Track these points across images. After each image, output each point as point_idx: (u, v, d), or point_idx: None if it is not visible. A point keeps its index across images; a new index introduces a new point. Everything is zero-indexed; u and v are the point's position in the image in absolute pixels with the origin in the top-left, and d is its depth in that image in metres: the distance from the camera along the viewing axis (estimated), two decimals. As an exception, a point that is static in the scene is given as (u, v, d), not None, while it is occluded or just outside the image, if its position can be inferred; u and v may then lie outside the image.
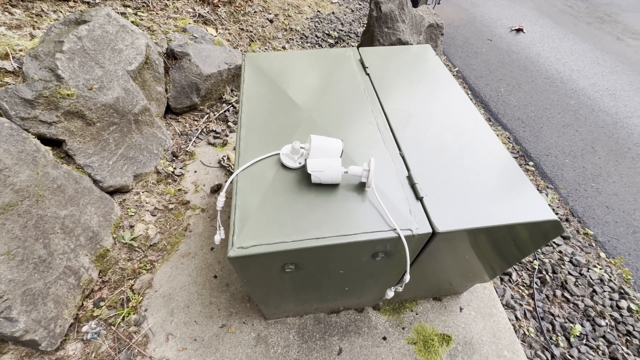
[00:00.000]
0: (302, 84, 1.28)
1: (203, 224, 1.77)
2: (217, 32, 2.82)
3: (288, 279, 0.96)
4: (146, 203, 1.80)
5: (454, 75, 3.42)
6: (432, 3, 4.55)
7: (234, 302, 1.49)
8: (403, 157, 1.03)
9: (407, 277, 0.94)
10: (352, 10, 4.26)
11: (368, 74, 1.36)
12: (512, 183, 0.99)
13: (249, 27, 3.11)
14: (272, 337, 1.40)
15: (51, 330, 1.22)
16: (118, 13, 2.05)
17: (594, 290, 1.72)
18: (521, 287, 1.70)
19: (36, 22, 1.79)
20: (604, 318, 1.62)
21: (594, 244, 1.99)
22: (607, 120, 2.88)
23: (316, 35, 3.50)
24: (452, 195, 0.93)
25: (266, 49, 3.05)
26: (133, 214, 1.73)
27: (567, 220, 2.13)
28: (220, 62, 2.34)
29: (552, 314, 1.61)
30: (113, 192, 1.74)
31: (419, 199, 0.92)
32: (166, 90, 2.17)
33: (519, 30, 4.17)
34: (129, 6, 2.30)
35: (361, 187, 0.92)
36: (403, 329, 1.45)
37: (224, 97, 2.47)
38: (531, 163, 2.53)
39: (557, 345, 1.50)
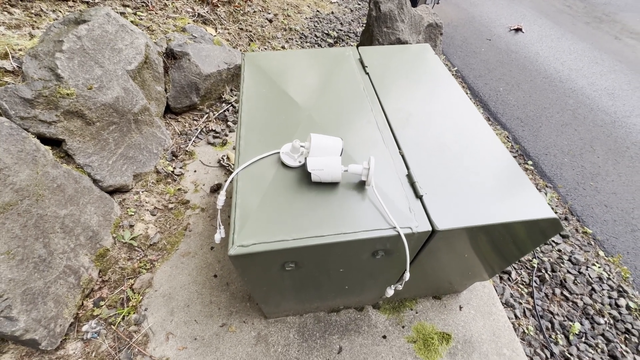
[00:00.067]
0: (302, 83, 1.28)
1: (203, 223, 1.77)
2: (216, 31, 2.82)
3: (288, 277, 0.96)
4: (146, 202, 1.80)
5: (453, 74, 3.42)
6: (431, 3, 4.56)
7: (234, 301, 1.49)
8: (403, 156, 1.04)
9: (407, 275, 0.94)
10: (351, 10, 4.27)
11: (367, 73, 1.36)
12: (511, 181, 1.00)
13: (248, 26, 3.12)
14: (273, 336, 1.40)
15: (51, 329, 1.22)
16: (117, 13, 2.05)
17: (593, 289, 1.73)
18: (520, 286, 1.70)
19: (35, 21, 1.79)
20: (603, 316, 1.63)
21: (592, 243, 2.00)
22: (606, 119, 2.89)
23: (315, 35, 3.50)
24: (452, 193, 0.94)
25: (265, 49, 3.05)
26: (133, 213, 1.73)
27: (566, 219, 2.14)
28: (219, 62, 2.34)
29: (551, 313, 1.62)
30: (113, 191, 1.74)
31: (419, 197, 0.92)
32: (166, 90, 2.17)
33: (517, 29, 4.18)
34: (128, 6, 2.30)
35: (361, 185, 0.93)
36: (403, 327, 1.46)
37: (223, 96, 2.48)
38: (530, 162, 2.54)
39: (556, 344, 1.51)
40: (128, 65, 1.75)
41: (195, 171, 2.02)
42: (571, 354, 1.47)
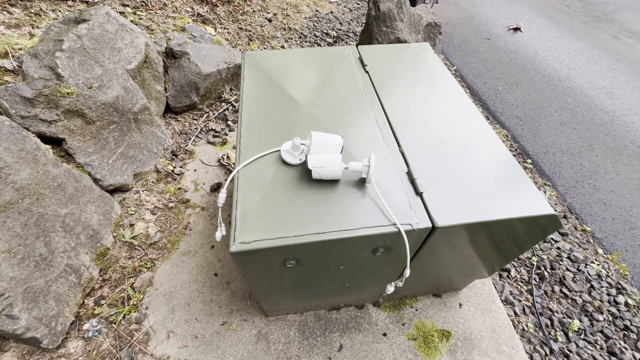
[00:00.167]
0: (302, 81, 1.29)
1: (203, 222, 1.77)
2: (216, 31, 2.82)
3: (289, 274, 0.96)
4: (146, 202, 1.80)
5: (452, 73, 3.43)
6: (430, 2, 4.57)
7: (235, 300, 1.49)
8: (402, 154, 1.04)
9: (408, 272, 0.95)
10: (351, 10, 4.28)
11: (367, 72, 1.37)
12: (510, 179, 1.00)
13: (247, 26, 3.12)
14: (273, 334, 1.40)
15: (52, 328, 1.22)
16: (117, 12, 2.05)
17: (592, 286, 1.74)
18: (520, 283, 1.71)
19: (35, 21, 1.79)
20: (602, 313, 1.63)
21: (591, 240, 2.01)
22: (604, 118, 2.90)
23: (315, 35, 3.50)
24: (452, 190, 0.94)
25: (265, 48, 3.06)
26: (133, 212, 1.73)
27: (565, 217, 2.15)
28: (219, 61, 2.34)
29: (551, 310, 1.62)
30: (113, 190, 1.74)
31: (419, 194, 0.93)
32: (165, 89, 2.17)
33: (516, 29, 4.19)
34: (127, 5, 2.30)
35: (361, 182, 0.93)
36: (403, 325, 1.46)
37: (223, 96, 2.48)
38: (529, 160, 2.55)
39: (555, 340, 1.52)
40: (128, 64, 1.76)
41: (195, 170, 2.02)
42: (570, 351, 1.48)
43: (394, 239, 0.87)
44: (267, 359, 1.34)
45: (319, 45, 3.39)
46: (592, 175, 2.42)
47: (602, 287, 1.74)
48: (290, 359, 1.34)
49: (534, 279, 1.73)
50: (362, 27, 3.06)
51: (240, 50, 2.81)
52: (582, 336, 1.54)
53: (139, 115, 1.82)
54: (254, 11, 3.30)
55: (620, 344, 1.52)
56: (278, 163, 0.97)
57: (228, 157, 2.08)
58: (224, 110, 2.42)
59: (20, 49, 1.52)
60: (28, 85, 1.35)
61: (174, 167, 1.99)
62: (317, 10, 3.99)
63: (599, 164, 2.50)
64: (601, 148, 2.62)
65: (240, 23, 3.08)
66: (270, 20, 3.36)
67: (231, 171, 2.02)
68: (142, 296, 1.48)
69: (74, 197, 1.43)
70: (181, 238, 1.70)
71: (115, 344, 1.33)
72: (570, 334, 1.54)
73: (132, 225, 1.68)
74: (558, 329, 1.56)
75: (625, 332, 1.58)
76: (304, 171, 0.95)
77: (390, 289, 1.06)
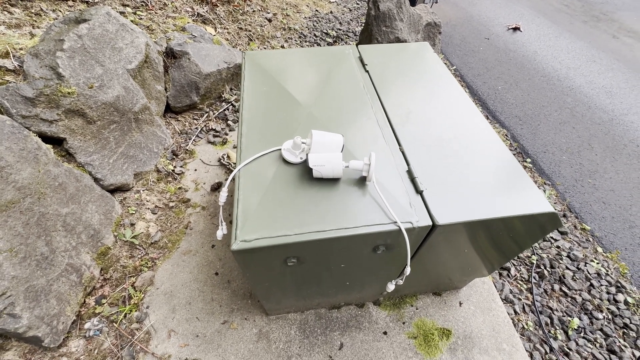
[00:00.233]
0: (303, 81, 1.29)
1: (204, 221, 1.78)
2: (216, 31, 2.83)
3: (290, 272, 0.97)
4: (147, 201, 1.80)
5: (451, 73, 3.44)
6: (429, 2, 4.58)
7: (236, 299, 1.50)
8: (403, 152, 1.05)
9: (408, 270, 0.95)
10: (350, 10, 4.28)
11: (367, 71, 1.37)
12: (510, 177, 1.01)
13: (247, 26, 3.12)
14: (274, 333, 1.41)
15: (54, 327, 1.22)
16: (117, 12, 2.05)
17: (592, 284, 1.74)
18: (520, 282, 1.72)
19: (35, 21, 1.79)
20: (602, 311, 1.64)
21: (591, 239, 2.02)
22: (604, 117, 2.91)
23: (315, 35, 3.51)
24: (452, 189, 0.95)
25: (265, 48, 3.06)
26: (134, 212, 1.74)
27: (564, 216, 2.15)
28: (219, 61, 2.35)
29: (551, 308, 1.63)
30: (114, 190, 1.74)
31: (419, 192, 0.93)
32: (166, 89, 2.17)
33: (515, 28, 4.20)
34: (127, 5, 2.31)
35: (362, 181, 0.94)
36: (403, 323, 1.47)
37: (223, 95, 2.48)
38: (529, 160, 2.55)
39: (555, 339, 1.52)
40: (128, 64, 1.76)
41: (195, 170, 2.03)
42: (570, 349, 1.49)
43: (394, 237, 0.87)
44: (268, 357, 1.34)
45: (318, 45, 3.40)
46: (592, 174, 2.42)
47: (601, 285, 1.75)
48: (291, 357, 1.35)
49: (534, 278, 1.74)
50: (362, 27, 3.06)
51: (240, 50, 2.82)
52: (582, 334, 1.55)
53: (140, 115, 1.82)
54: (253, 11, 3.31)
55: (619, 342, 1.53)
56: (279, 162, 0.98)
57: (228, 157, 2.09)
58: (224, 110, 2.42)
59: (21, 49, 1.52)
60: (29, 85, 1.36)
61: (175, 167, 2.00)
62: (316, 10, 3.99)
63: (599, 163, 2.50)
64: (600, 147, 2.63)
65: (240, 23, 3.09)
66: (270, 20, 3.36)
67: (231, 171, 2.03)
68: (143, 295, 1.48)
69: (75, 196, 1.44)
70: (182, 237, 1.70)
71: (117, 343, 1.33)
72: (570, 332, 1.54)
73: (132, 224, 1.69)
74: (558, 327, 1.56)
75: (625, 330, 1.58)
76: (304, 170, 0.95)
77: (391, 287, 1.07)
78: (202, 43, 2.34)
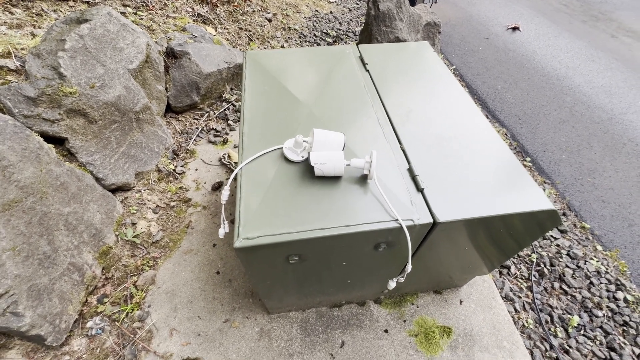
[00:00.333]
0: (303, 80, 1.30)
1: (205, 221, 1.78)
2: (216, 31, 2.83)
3: (292, 270, 0.97)
4: (148, 201, 1.81)
5: (451, 72, 3.45)
6: (429, 2, 4.59)
7: (237, 297, 1.50)
8: (404, 151, 1.05)
9: (409, 267, 0.96)
10: (350, 10, 4.29)
11: (368, 71, 1.38)
12: (510, 175, 1.01)
13: (247, 26, 3.13)
14: (275, 331, 1.41)
15: (56, 325, 1.23)
16: (118, 12, 2.06)
17: (591, 282, 1.75)
18: (520, 280, 1.72)
19: (36, 21, 1.80)
20: (601, 309, 1.65)
21: (590, 237, 2.02)
22: (603, 116, 2.92)
23: (314, 35, 3.52)
24: (453, 187, 0.95)
25: (265, 48, 3.07)
26: (135, 211, 1.74)
27: (564, 214, 2.16)
28: (219, 61, 2.35)
29: (551, 306, 1.64)
30: (115, 189, 1.75)
31: (420, 190, 0.94)
32: (166, 89, 2.18)
33: (515, 28, 4.21)
34: (128, 5, 2.31)
35: (363, 179, 0.94)
36: (404, 321, 1.47)
37: (223, 95, 2.49)
38: (528, 159, 2.56)
39: (555, 336, 1.53)
40: (129, 64, 1.76)
41: (196, 169, 2.03)
42: (570, 346, 1.50)
43: (395, 235, 0.88)
44: (269, 355, 1.34)
45: (318, 44, 3.41)
46: (591, 173, 2.43)
47: (601, 283, 1.76)
48: (292, 355, 1.35)
49: (534, 276, 1.74)
50: (362, 27, 3.07)
51: (240, 50, 2.82)
52: (582, 332, 1.56)
53: (141, 115, 1.83)
54: (253, 11, 3.31)
55: (619, 339, 1.54)
56: (280, 160, 0.98)
57: (229, 156, 2.09)
58: (225, 109, 2.43)
59: (22, 49, 1.53)
60: (31, 85, 1.36)
61: (176, 167, 2.00)
62: (316, 10, 4.00)
63: (598, 162, 2.51)
64: (600, 146, 2.64)
65: (240, 23, 3.09)
66: (270, 20, 3.37)
67: (232, 170, 2.03)
68: (144, 294, 1.48)
69: (77, 196, 1.44)
70: (183, 237, 1.71)
71: (119, 342, 1.34)
72: (570, 330, 1.55)
73: (134, 224, 1.69)
74: (558, 325, 1.57)
75: (625, 327, 1.59)
76: (306, 168, 0.96)
77: (392, 284, 1.08)
78: (202, 43, 2.35)
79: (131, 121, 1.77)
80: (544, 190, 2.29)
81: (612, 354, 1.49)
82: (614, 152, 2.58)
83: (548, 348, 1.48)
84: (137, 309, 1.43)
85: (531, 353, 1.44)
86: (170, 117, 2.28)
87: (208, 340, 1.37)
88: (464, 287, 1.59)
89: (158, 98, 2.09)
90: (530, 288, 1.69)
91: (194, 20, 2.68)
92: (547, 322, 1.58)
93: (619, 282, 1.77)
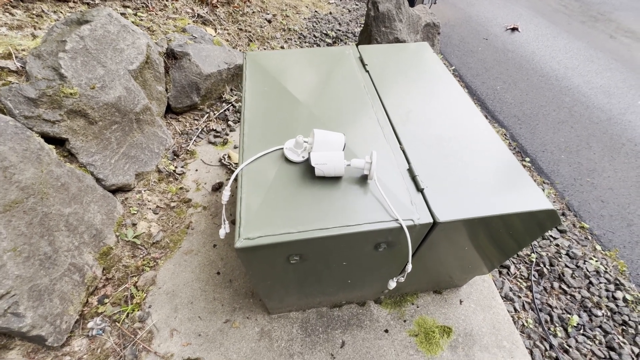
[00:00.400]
0: (304, 81, 1.30)
1: (205, 221, 1.78)
2: (216, 32, 2.84)
3: (292, 270, 0.98)
4: (148, 201, 1.81)
5: (451, 73, 3.46)
6: (428, 2, 4.60)
7: (238, 298, 1.51)
8: (403, 151, 1.06)
9: (410, 267, 0.96)
10: (349, 11, 4.30)
11: (368, 71, 1.38)
12: (509, 175, 1.02)
13: (247, 27, 3.13)
14: (276, 331, 1.41)
15: (57, 326, 1.23)
16: (118, 13, 2.06)
17: (591, 282, 1.76)
18: (519, 280, 1.73)
19: (37, 22, 1.80)
20: (601, 309, 1.65)
21: (589, 237, 2.03)
22: (602, 116, 2.93)
23: (314, 35, 3.52)
24: (452, 187, 0.96)
25: (265, 49, 3.07)
26: (135, 212, 1.74)
27: (563, 214, 2.17)
28: (219, 62, 2.36)
29: (550, 306, 1.64)
30: (115, 190, 1.75)
31: (420, 190, 0.94)
32: (166, 90, 2.18)
33: (514, 29, 4.22)
34: (128, 7, 2.32)
35: (363, 179, 0.95)
36: (404, 321, 1.48)
37: (223, 96, 2.49)
38: (527, 159, 2.57)
39: (555, 336, 1.53)
40: (130, 65, 1.77)
41: (196, 170, 2.03)
42: (570, 346, 1.50)
43: (395, 234, 0.88)
44: (270, 356, 1.35)
45: (318, 45, 3.41)
46: (590, 173, 2.44)
47: (600, 283, 1.76)
48: (293, 355, 1.35)
49: (534, 276, 1.75)
50: (361, 28, 3.08)
51: (240, 51, 2.83)
52: (581, 331, 1.56)
53: (141, 116, 1.83)
54: (253, 12, 3.32)
55: (618, 338, 1.54)
56: (281, 161, 0.99)
57: (229, 157, 2.10)
58: (225, 110, 2.43)
59: (23, 50, 1.53)
60: (32, 86, 1.36)
61: (176, 167, 2.01)
62: (316, 11, 4.01)
63: (597, 162, 2.52)
64: (599, 146, 2.65)
65: (240, 24, 3.10)
66: (269, 21, 3.38)
67: (232, 171, 2.04)
68: (145, 295, 1.49)
69: (77, 196, 1.45)
70: (183, 237, 1.71)
71: (119, 342, 1.34)
72: (569, 330, 1.56)
73: (134, 224, 1.69)
74: (557, 325, 1.57)
75: (624, 327, 1.60)
76: (306, 168, 0.96)
77: (392, 284, 1.08)
78: (202, 44, 2.35)
79: (131, 122, 1.78)
80: (543, 190, 2.30)
81: (612, 353, 1.49)
82: (612, 152, 2.59)
83: (548, 347, 1.48)
84: (138, 310, 1.44)
85: (531, 353, 1.44)
86: (171, 117, 2.28)
87: (209, 340, 1.38)
88: (464, 287, 1.60)
89: (158, 99, 2.09)
90: (529, 288, 1.70)
91: (194, 21, 2.68)
92: (546, 321, 1.58)
93: (618, 282, 1.77)
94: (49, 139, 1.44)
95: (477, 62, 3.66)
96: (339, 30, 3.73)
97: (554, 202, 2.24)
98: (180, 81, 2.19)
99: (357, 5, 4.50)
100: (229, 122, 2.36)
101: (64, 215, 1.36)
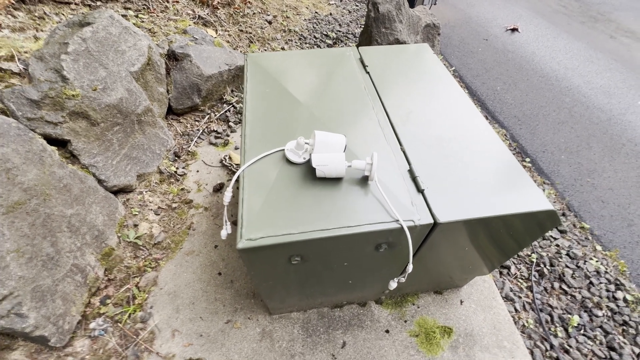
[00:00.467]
0: (304, 82, 1.31)
1: (206, 222, 1.79)
2: (217, 33, 2.85)
3: (294, 271, 0.98)
4: (150, 202, 1.82)
5: (451, 74, 3.46)
6: (428, 3, 4.61)
7: (239, 298, 1.51)
8: (404, 152, 1.06)
9: (410, 267, 0.97)
10: (350, 12, 4.31)
11: (368, 73, 1.39)
12: (510, 176, 1.03)
13: (248, 28, 3.14)
14: (277, 332, 1.42)
15: (60, 326, 1.23)
16: (120, 15, 2.07)
17: (591, 282, 1.76)
18: (520, 280, 1.73)
19: (39, 24, 1.81)
20: (601, 309, 1.66)
21: (590, 238, 2.03)
22: (602, 117, 2.93)
23: (314, 36, 3.53)
24: (453, 188, 0.97)
25: (265, 50, 3.08)
26: (137, 213, 1.75)
27: (563, 214, 2.17)
28: (220, 63, 2.37)
29: (551, 306, 1.64)
30: (117, 191, 1.76)
31: (420, 191, 0.95)
32: (168, 91, 2.19)
33: (514, 29, 4.23)
34: (129, 8, 2.33)
35: (364, 180, 0.95)
36: (405, 322, 1.48)
37: (224, 97, 2.50)
38: (528, 159, 2.57)
39: (555, 336, 1.54)
40: (131, 66, 1.78)
41: (197, 171, 2.04)
42: (570, 346, 1.50)
43: (396, 235, 0.89)
44: (271, 356, 1.35)
45: (318, 46, 3.42)
46: (590, 174, 2.44)
47: (601, 283, 1.77)
48: (294, 356, 1.36)
49: (534, 276, 1.75)
50: (362, 29, 3.09)
51: (241, 52, 2.84)
52: (582, 331, 1.57)
53: (142, 117, 1.84)
54: (254, 13, 3.33)
55: (619, 339, 1.55)
56: (282, 162, 0.99)
57: (230, 158, 2.10)
58: (226, 111, 2.44)
59: (25, 52, 1.54)
60: (34, 88, 1.37)
61: (177, 168, 2.01)
62: (316, 12, 4.02)
63: (597, 162, 2.53)
64: (599, 146, 2.65)
65: (240, 25, 3.11)
66: (270, 23, 3.39)
67: (233, 172, 2.04)
68: (147, 295, 1.49)
69: (79, 197, 1.45)
70: (185, 238, 1.72)
71: (121, 343, 1.34)
72: (570, 330, 1.56)
73: (136, 225, 1.70)
74: (558, 325, 1.58)
75: (624, 327, 1.60)
76: (307, 170, 0.97)
77: (393, 284, 1.08)
78: (203, 45, 2.36)
79: (133, 123, 1.79)
80: (544, 190, 2.30)
81: (612, 353, 1.49)
82: (613, 153, 2.60)
83: (548, 348, 1.48)
84: (140, 310, 1.44)
85: (531, 353, 1.44)
86: (172, 119, 2.29)
87: (210, 341, 1.38)
88: (465, 287, 1.60)
89: (159, 100, 2.10)
90: (530, 288, 1.70)
91: (194, 23, 2.69)
92: (547, 322, 1.59)
93: (618, 282, 1.78)
94: (51, 140, 1.45)
95: (477, 63, 3.66)
96: (339, 32, 3.74)
97: (554, 202, 2.24)
98: (181, 82, 2.20)
99: (357, 6, 4.51)
100: (230, 123, 2.37)
101: (66, 216, 1.36)
